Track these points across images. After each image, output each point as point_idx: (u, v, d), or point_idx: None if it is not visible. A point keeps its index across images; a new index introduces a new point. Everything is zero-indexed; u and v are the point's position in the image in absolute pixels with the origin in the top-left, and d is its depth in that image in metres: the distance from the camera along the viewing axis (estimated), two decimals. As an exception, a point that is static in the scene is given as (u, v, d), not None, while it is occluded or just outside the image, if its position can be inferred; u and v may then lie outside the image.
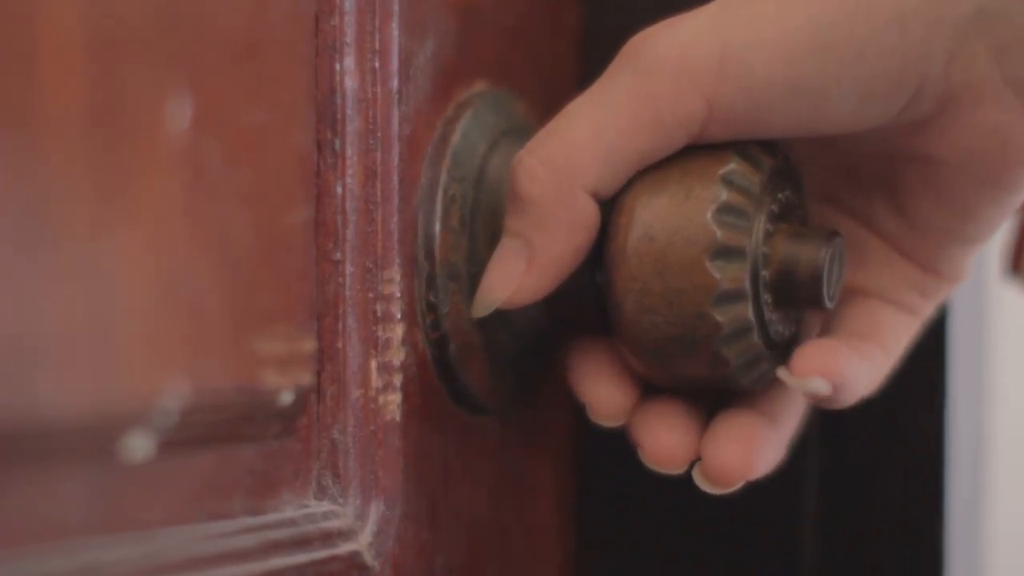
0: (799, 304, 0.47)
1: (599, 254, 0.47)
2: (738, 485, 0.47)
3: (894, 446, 0.55)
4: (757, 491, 0.56)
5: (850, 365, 0.46)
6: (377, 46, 0.45)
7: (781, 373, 0.47)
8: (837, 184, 0.49)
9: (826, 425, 0.55)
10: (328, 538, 0.44)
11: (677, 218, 0.45)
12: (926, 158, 0.46)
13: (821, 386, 0.46)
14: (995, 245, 0.56)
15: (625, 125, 0.45)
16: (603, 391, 0.48)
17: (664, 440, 0.47)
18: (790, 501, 0.56)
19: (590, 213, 0.46)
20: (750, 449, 0.47)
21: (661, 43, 0.45)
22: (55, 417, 0.35)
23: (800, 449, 0.54)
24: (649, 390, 0.49)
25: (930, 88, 0.45)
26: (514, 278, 0.46)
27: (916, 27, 0.44)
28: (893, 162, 0.47)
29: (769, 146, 0.47)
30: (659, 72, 0.45)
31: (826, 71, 0.44)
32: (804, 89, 0.44)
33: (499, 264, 0.46)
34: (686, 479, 0.56)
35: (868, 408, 0.52)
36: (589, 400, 0.49)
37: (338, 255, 0.45)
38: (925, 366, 0.54)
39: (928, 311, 0.50)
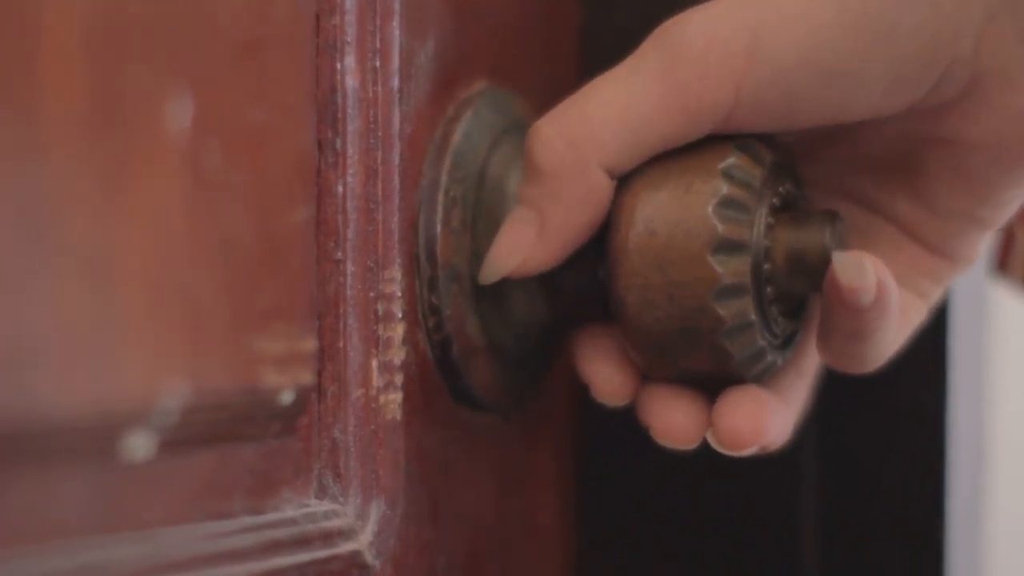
0: (812, 290, 0.47)
1: (601, 249, 0.47)
2: (751, 449, 0.47)
3: (894, 444, 0.55)
4: (757, 491, 0.56)
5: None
6: (378, 45, 0.45)
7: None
8: (849, 173, 0.49)
9: (825, 424, 0.55)
10: (329, 537, 0.43)
11: (678, 212, 0.46)
12: (949, 141, 0.46)
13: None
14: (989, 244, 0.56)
15: (651, 108, 0.45)
16: (607, 371, 0.48)
17: (676, 417, 0.47)
18: (790, 501, 0.56)
19: (604, 189, 0.46)
20: (761, 416, 0.46)
21: (690, 28, 0.45)
22: (55, 417, 0.35)
23: (799, 448, 0.54)
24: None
25: (958, 70, 0.44)
26: (524, 247, 0.46)
27: (947, 6, 0.44)
28: (914, 146, 0.47)
29: (769, 140, 0.47)
30: (688, 57, 0.45)
31: (856, 53, 0.44)
32: (834, 72, 0.44)
33: (509, 232, 0.47)
34: (687, 479, 0.56)
35: (868, 407, 0.52)
36: (593, 380, 0.49)
37: (339, 254, 0.44)
38: (925, 364, 0.54)
39: (937, 295, 0.50)
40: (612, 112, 0.45)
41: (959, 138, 0.46)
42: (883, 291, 0.45)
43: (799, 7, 0.44)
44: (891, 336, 0.47)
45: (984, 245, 0.49)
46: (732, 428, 0.46)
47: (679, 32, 0.45)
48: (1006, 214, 0.48)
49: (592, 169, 0.45)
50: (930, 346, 0.53)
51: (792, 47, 0.44)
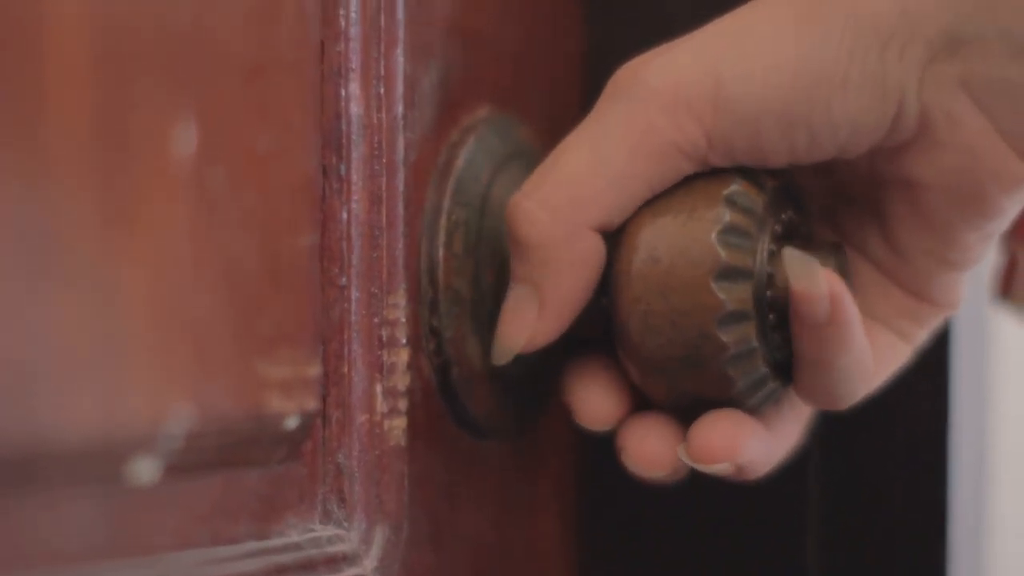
0: None
1: (604, 276, 0.47)
2: (722, 466, 0.46)
3: (897, 457, 0.55)
4: (760, 510, 0.56)
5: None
6: (382, 72, 0.45)
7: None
8: (833, 211, 0.49)
9: (827, 437, 0.55)
10: (333, 562, 0.44)
11: (681, 239, 0.46)
12: (909, 182, 0.47)
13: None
14: (990, 267, 0.56)
15: (626, 157, 0.45)
16: (594, 396, 0.48)
17: (648, 443, 0.47)
18: (793, 524, 0.56)
19: (595, 248, 0.46)
20: (737, 435, 0.46)
21: (653, 75, 0.45)
22: (61, 441, 0.35)
23: (802, 464, 0.54)
24: (640, 404, 0.48)
25: (907, 112, 0.45)
26: (528, 324, 0.46)
27: (893, 49, 0.44)
28: (880, 187, 0.48)
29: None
30: (656, 103, 0.45)
31: (815, 99, 0.44)
32: (795, 119, 0.45)
33: (511, 312, 0.46)
34: (690, 504, 0.56)
35: (871, 419, 0.52)
36: (576, 404, 0.48)
37: (343, 280, 0.45)
38: (927, 377, 0.54)
39: (920, 337, 0.50)
40: (587, 170, 0.45)
41: (916, 179, 0.46)
42: (838, 306, 0.44)
43: (763, 61, 0.44)
44: (860, 369, 0.46)
45: (962, 289, 0.49)
46: (704, 443, 0.46)
47: (642, 79, 0.45)
48: (973, 257, 0.48)
49: (579, 232, 0.45)
50: (932, 359, 0.53)
51: (754, 95, 0.44)
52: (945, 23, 0.44)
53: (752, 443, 0.46)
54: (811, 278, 0.44)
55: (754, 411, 0.47)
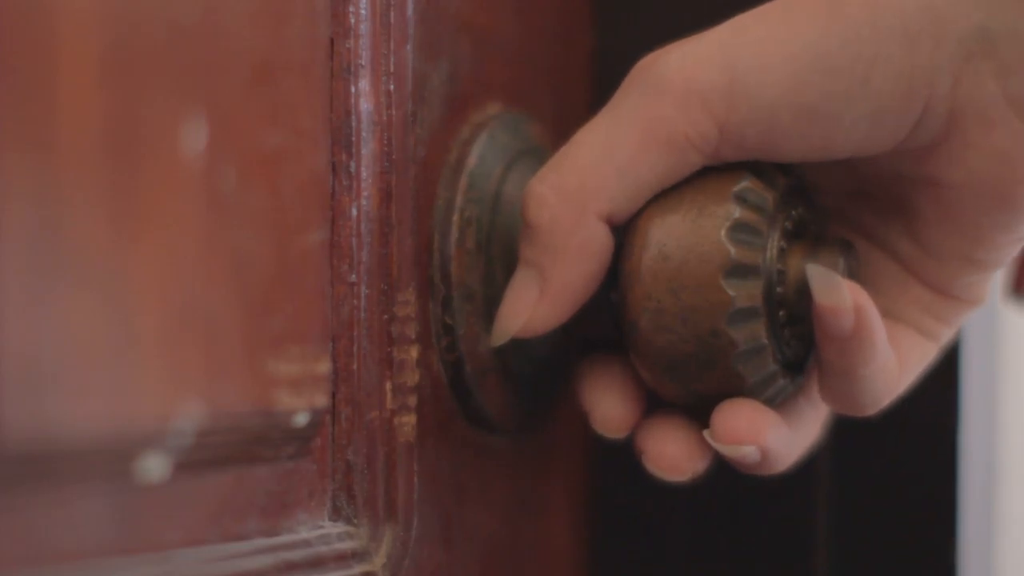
0: None
1: (613, 272, 0.47)
2: (749, 448, 0.46)
3: (906, 458, 0.55)
4: (770, 510, 0.56)
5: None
6: (392, 69, 0.46)
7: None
8: (854, 207, 0.49)
9: (837, 438, 0.55)
10: (343, 559, 0.44)
11: (691, 236, 0.46)
12: (936, 182, 0.46)
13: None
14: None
15: (636, 147, 0.45)
16: (608, 402, 0.48)
17: (667, 447, 0.47)
18: (802, 521, 0.56)
19: (602, 238, 0.46)
20: (759, 418, 0.46)
21: (669, 66, 0.45)
22: (71, 438, 0.35)
23: (811, 464, 0.54)
24: (655, 406, 0.48)
25: (937, 109, 0.44)
26: (528, 307, 0.46)
27: (922, 46, 0.44)
28: (906, 186, 0.47)
29: (783, 164, 0.47)
30: (669, 94, 0.45)
31: (835, 94, 0.44)
32: (813, 112, 0.44)
33: (513, 293, 0.46)
34: (699, 502, 0.56)
35: (880, 419, 0.52)
36: (593, 411, 0.48)
37: (353, 277, 0.45)
38: (938, 375, 0.54)
39: (947, 335, 0.49)
40: (599, 158, 0.45)
41: (945, 179, 0.46)
42: (862, 319, 0.44)
43: (779, 53, 0.44)
44: (883, 377, 0.46)
45: (990, 285, 0.49)
46: (731, 426, 0.46)
47: (658, 71, 0.45)
48: (1003, 256, 0.47)
49: (588, 220, 0.45)
50: (942, 358, 0.53)
51: (771, 87, 0.44)
52: (978, 20, 0.44)
53: (774, 431, 0.46)
54: (836, 293, 0.44)
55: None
